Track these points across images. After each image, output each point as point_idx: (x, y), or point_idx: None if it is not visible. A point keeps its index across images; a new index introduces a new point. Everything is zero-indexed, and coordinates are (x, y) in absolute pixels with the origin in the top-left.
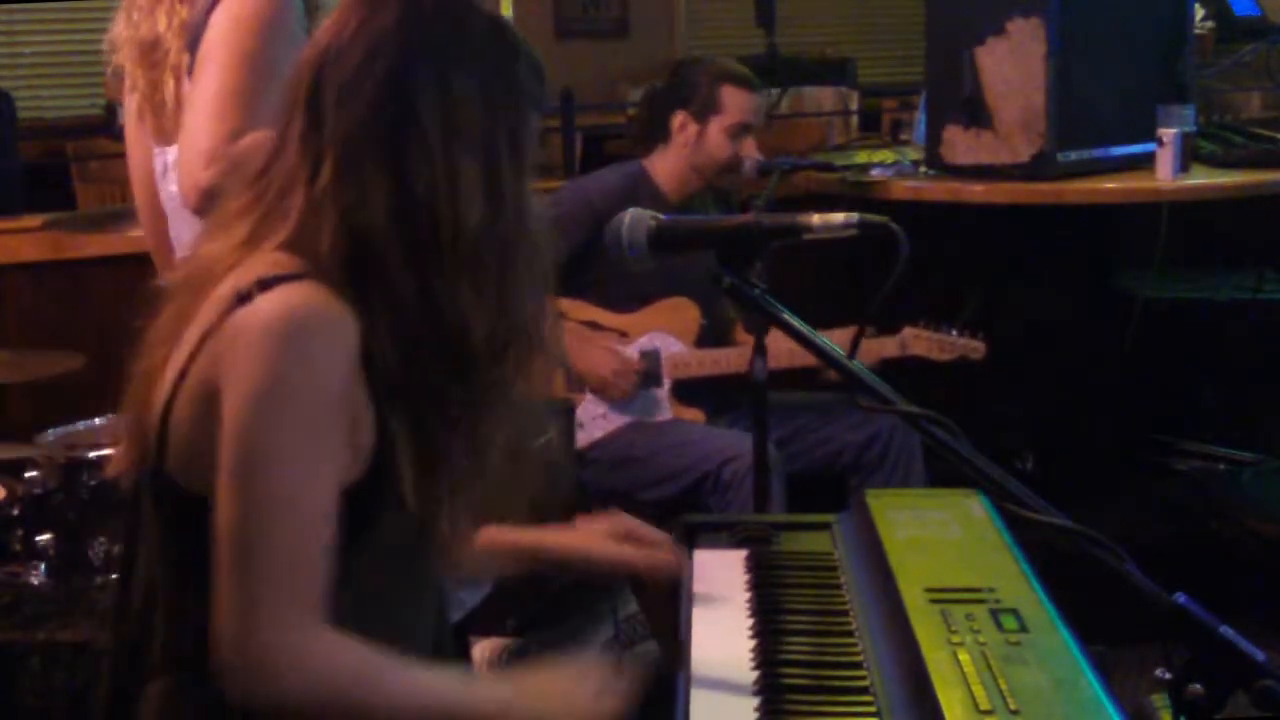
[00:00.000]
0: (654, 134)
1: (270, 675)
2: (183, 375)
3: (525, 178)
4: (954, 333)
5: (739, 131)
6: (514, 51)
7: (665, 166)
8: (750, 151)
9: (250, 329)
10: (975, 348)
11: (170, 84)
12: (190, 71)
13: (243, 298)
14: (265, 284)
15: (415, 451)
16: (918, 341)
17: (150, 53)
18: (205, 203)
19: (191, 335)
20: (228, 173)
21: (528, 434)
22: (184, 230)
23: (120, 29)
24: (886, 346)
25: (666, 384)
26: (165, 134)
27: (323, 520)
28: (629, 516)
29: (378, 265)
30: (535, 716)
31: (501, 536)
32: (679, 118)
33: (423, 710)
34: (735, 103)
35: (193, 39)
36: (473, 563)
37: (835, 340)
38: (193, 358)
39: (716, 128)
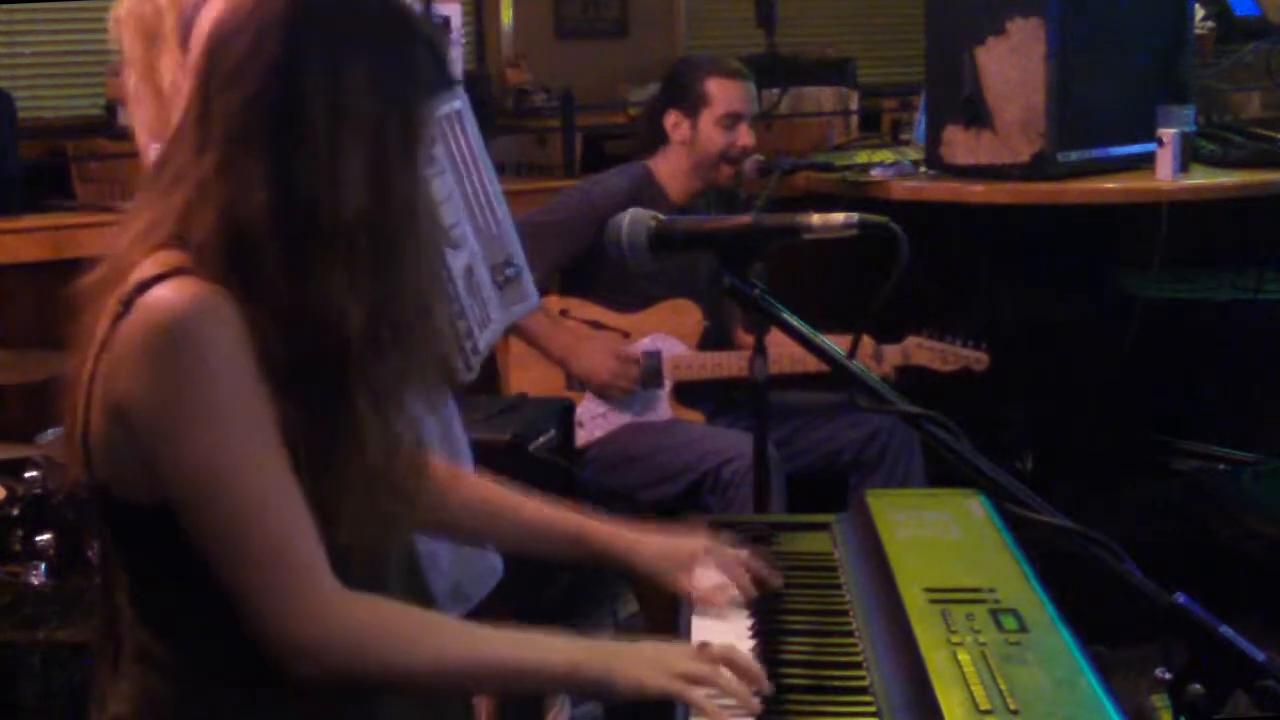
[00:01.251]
0: (655, 138)
1: (327, 652)
2: (90, 387)
3: (417, 166)
4: (957, 343)
5: (730, 121)
6: (411, 36)
7: (668, 168)
8: (745, 139)
9: (136, 340)
10: (978, 359)
11: (167, 74)
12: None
13: (126, 304)
14: (143, 287)
15: (306, 440)
16: (920, 352)
17: (150, 29)
18: None
19: (93, 343)
20: None
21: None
22: None
23: (125, 5)
24: (889, 356)
25: (667, 385)
26: (159, 126)
27: (286, 495)
28: (714, 543)
29: (256, 256)
30: (607, 674)
31: (589, 530)
32: (671, 117)
33: (482, 665)
34: (722, 93)
35: (184, 33)
36: (540, 542)
37: (836, 344)
38: (95, 369)
39: (707, 120)
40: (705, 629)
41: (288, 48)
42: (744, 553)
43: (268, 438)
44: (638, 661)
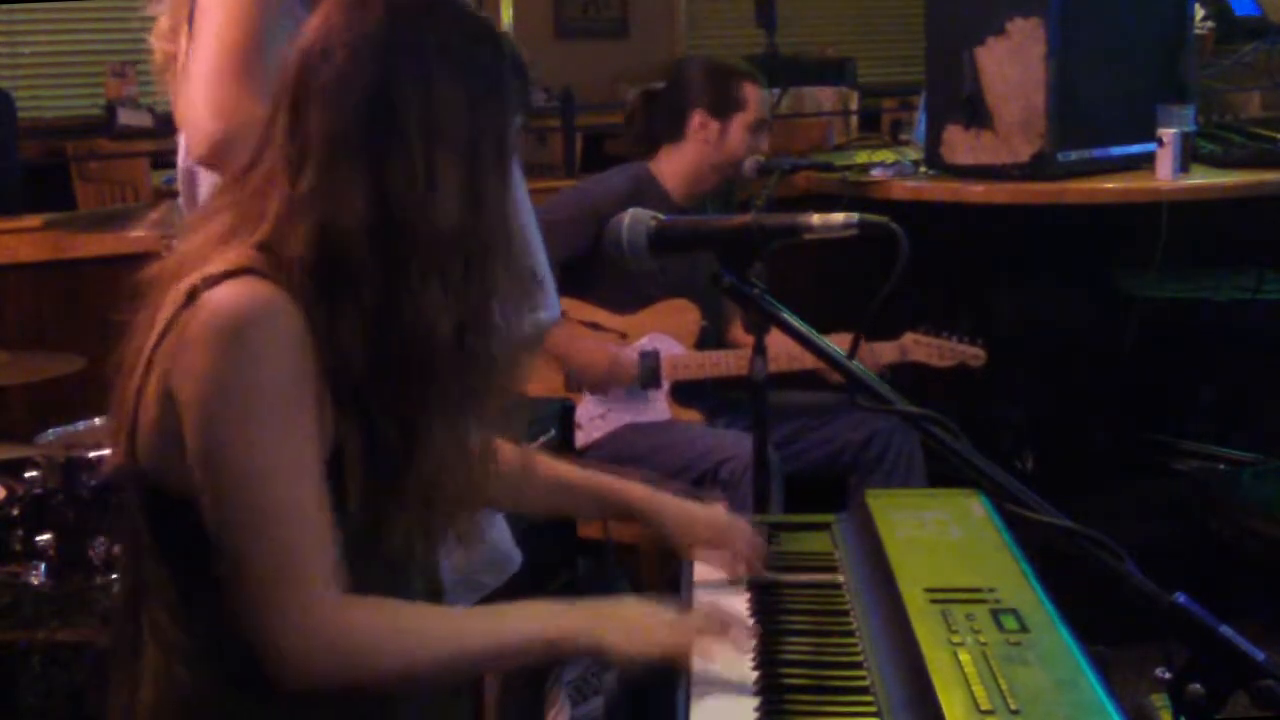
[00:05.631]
0: (659, 135)
1: (313, 665)
2: (145, 375)
3: (508, 180)
4: (954, 339)
5: (759, 127)
6: (498, 52)
7: (674, 167)
8: (765, 146)
9: (195, 332)
10: (976, 355)
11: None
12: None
13: (191, 296)
14: (210, 281)
15: (365, 454)
16: (918, 348)
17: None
18: (214, 154)
19: (152, 334)
20: (236, 128)
21: (494, 439)
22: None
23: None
24: (886, 353)
25: (665, 385)
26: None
27: (310, 501)
28: (734, 520)
29: (348, 269)
30: (595, 640)
31: (604, 484)
32: (698, 117)
33: (473, 652)
34: (756, 100)
35: (190, 12)
36: (562, 500)
37: (835, 344)
38: (152, 358)
39: (739, 124)
40: None
41: (384, 66)
42: (758, 538)
43: (303, 447)
44: (625, 628)
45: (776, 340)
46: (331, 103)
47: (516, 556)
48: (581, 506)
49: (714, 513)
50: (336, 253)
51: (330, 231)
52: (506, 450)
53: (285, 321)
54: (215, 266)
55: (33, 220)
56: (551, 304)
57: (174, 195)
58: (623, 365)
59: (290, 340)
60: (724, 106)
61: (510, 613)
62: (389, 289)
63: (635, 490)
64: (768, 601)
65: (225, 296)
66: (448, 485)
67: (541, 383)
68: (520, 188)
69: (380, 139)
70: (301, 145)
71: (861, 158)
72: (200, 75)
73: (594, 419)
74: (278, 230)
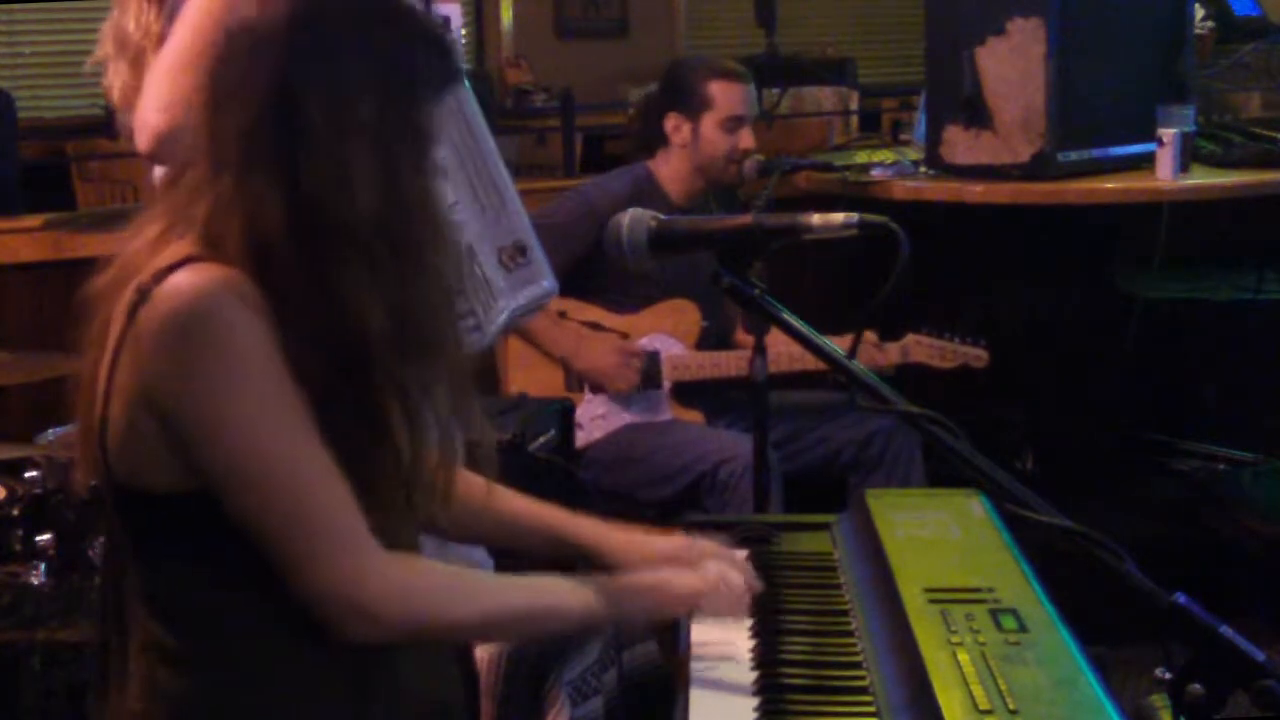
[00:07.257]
0: (652, 139)
1: (376, 622)
2: (110, 380)
3: (427, 163)
4: (956, 340)
5: (732, 124)
6: (410, 37)
7: (669, 170)
8: (747, 142)
9: (160, 325)
10: (978, 356)
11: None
12: None
13: (144, 293)
14: (159, 275)
15: (332, 437)
16: (919, 349)
17: (126, 48)
18: (156, 147)
19: (110, 338)
20: (180, 125)
21: (446, 429)
22: None
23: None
24: (888, 354)
25: (666, 385)
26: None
27: (326, 465)
28: (692, 545)
29: (279, 265)
30: (618, 613)
31: (567, 526)
32: (671, 120)
33: (514, 613)
34: (724, 96)
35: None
36: (521, 537)
37: (836, 344)
38: (115, 361)
39: (710, 124)
40: (705, 628)
41: (285, 61)
42: (731, 554)
43: (300, 411)
44: (642, 601)
45: (777, 340)
46: (240, 103)
47: (485, 562)
48: (529, 543)
49: (663, 541)
50: (264, 249)
51: (256, 232)
52: (475, 481)
53: (245, 297)
54: (160, 261)
55: (33, 220)
56: (541, 276)
57: None
58: (628, 364)
59: (254, 314)
60: (693, 107)
61: (552, 584)
62: (315, 282)
63: (584, 526)
64: (768, 601)
65: (181, 285)
66: (412, 480)
67: (542, 382)
68: (496, 162)
69: (287, 136)
70: (220, 147)
71: (861, 158)
72: (153, 73)
73: (594, 419)
74: (211, 231)
